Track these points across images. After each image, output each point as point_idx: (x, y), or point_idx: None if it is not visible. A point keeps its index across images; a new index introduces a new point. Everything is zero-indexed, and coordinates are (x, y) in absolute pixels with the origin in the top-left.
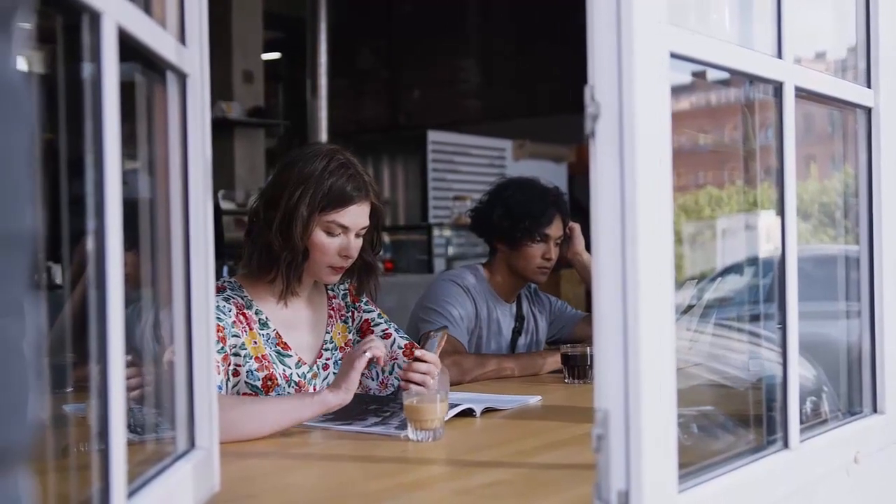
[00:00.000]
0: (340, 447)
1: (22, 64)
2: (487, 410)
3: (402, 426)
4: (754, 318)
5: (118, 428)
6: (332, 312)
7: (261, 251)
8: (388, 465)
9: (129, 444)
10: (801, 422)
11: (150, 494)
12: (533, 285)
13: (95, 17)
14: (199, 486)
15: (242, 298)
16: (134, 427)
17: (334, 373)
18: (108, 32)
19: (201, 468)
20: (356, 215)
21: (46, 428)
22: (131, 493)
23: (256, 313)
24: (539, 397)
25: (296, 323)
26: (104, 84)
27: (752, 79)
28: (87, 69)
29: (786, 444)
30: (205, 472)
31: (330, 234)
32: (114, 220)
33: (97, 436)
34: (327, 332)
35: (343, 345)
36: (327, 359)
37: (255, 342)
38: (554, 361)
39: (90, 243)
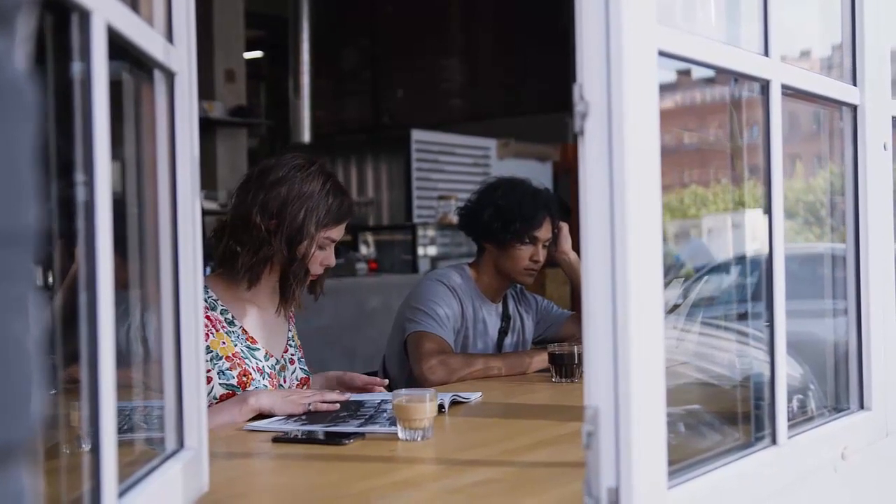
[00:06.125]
0: (329, 447)
1: (25, 62)
2: (454, 403)
3: (394, 422)
4: (740, 317)
5: (109, 429)
6: (291, 313)
7: (261, 262)
8: (378, 465)
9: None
10: (789, 419)
11: (140, 494)
12: (519, 285)
13: (85, 16)
14: (188, 486)
15: (206, 300)
16: (120, 426)
17: (300, 367)
18: (97, 31)
19: (190, 468)
20: (343, 230)
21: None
22: (121, 493)
23: (222, 313)
24: (479, 394)
25: (261, 321)
26: (94, 83)
27: (740, 77)
28: (75, 67)
29: (774, 441)
30: (194, 473)
31: (321, 248)
32: (104, 220)
33: (84, 436)
34: (290, 330)
35: (298, 345)
36: (292, 354)
37: (224, 342)
38: (541, 360)
39: (80, 244)
